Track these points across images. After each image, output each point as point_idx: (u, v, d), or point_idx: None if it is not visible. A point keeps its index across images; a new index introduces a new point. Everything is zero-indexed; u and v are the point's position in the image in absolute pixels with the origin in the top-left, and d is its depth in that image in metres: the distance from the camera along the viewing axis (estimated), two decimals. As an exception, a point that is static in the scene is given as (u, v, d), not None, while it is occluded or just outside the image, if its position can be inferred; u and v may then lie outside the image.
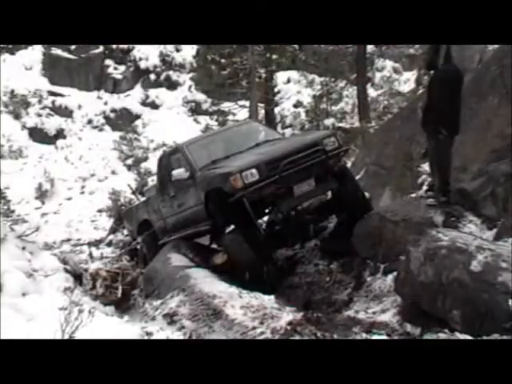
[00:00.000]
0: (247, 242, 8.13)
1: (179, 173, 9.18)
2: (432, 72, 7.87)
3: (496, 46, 9.83)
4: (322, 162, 8.36)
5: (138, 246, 11.37)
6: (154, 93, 37.14)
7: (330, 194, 9.25)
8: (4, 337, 4.82)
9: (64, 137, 35.53)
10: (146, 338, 5.98)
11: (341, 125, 21.96)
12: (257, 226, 8.32)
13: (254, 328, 6.08)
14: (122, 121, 35.62)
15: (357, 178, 9.33)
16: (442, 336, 5.27)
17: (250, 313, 6.50)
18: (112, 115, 36.54)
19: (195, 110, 34.46)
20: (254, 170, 8.02)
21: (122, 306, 8.36)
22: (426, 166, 8.85)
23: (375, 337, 5.78)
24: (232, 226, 8.28)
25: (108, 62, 38.17)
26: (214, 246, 9.74)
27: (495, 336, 4.89)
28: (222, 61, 23.55)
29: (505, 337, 4.84)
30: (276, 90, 26.01)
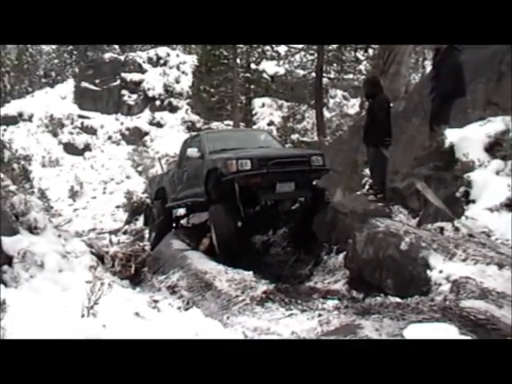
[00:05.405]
0: (227, 215, 8.02)
1: (192, 151, 8.97)
2: (370, 100, 8.02)
3: (417, 79, 9.76)
4: (304, 172, 8.18)
5: (153, 211, 11.21)
6: (159, 115, 37.36)
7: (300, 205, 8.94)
8: (46, 303, 4.73)
9: (90, 150, 35.93)
10: (153, 305, 5.96)
11: (303, 139, 21.93)
12: (239, 206, 7.97)
13: (236, 296, 6.08)
14: (134, 137, 36.14)
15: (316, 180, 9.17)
16: (378, 299, 5.31)
17: (233, 285, 6.48)
18: (127, 133, 37.00)
19: (191, 128, 34.41)
20: (248, 161, 7.87)
21: (135, 280, 8.34)
22: (367, 171, 8.93)
23: (330, 301, 5.79)
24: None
25: (124, 91, 38.54)
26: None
27: (416, 297, 4.91)
28: (212, 90, 23.55)
29: (423, 297, 4.85)
30: (253, 112, 26.04)
